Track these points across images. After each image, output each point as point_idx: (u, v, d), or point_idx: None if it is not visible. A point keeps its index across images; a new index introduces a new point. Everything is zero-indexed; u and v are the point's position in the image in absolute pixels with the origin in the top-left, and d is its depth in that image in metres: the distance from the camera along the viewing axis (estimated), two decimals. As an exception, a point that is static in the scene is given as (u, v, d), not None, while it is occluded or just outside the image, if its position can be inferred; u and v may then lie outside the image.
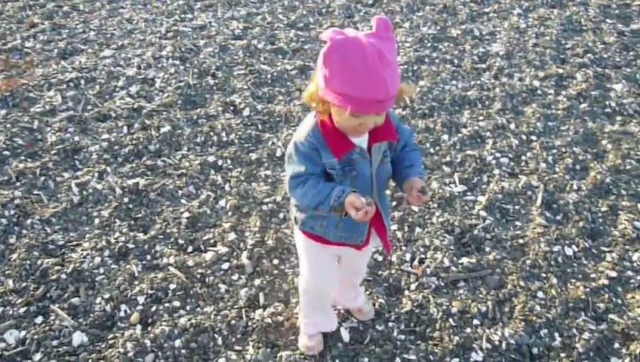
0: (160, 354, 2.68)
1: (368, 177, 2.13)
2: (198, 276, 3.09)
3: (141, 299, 2.95)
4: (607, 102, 4.58)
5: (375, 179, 2.15)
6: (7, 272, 3.07)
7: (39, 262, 3.11)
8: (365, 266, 2.73)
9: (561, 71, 4.97)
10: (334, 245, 2.33)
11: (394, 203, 3.52)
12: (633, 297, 3.01)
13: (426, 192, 2.09)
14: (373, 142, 2.08)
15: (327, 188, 2.04)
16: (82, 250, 3.21)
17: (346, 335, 2.78)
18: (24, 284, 3.01)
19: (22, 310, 2.88)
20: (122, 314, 2.89)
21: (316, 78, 1.93)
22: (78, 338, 2.75)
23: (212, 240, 3.31)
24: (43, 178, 3.72)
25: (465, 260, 3.18)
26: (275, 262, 3.18)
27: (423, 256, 3.20)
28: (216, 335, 2.78)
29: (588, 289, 3.02)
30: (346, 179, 2.10)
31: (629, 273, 3.14)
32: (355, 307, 2.86)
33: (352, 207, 1.97)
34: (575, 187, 3.71)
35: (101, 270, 3.10)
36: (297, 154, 2.07)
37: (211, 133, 4.14)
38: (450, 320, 2.85)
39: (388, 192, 3.45)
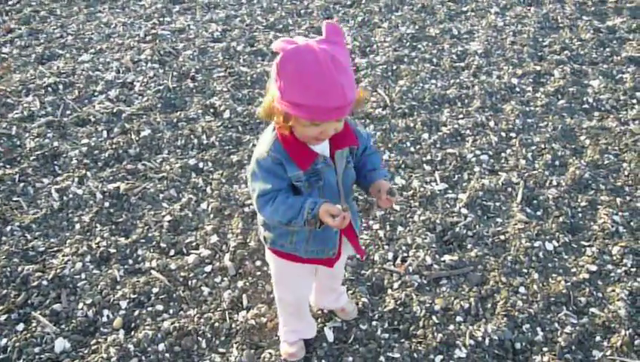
0: (144, 358, 2.67)
1: (335, 185, 2.12)
2: (181, 279, 3.08)
3: (124, 304, 2.93)
4: (584, 99, 4.63)
5: (342, 187, 2.14)
6: (-13, 280, 3.04)
7: (20, 268, 3.08)
8: (342, 270, 2.73)
9: (538, 68, 5.02)
10: (306, 262, 2.31)
11: (361, 212, 3.51)
12: (613, 290, 3.04)
13: (394, 193, 2.09)
14: (335, 149, 2.07)
15: (297, 202, 2.02)
16: (63, 255, 3.19)
17: (330, 335, 2.78)
18: (4, 291, 2.98)
19: (3, 317, 2.86)
20: (105, 319, 2.87)
21: (271, 90, 1.89)
22: (61, 344, 2.73)
23: (194, 243, 3.30)
24: (22, 184, 3.69)
25: (447, 258, 3.19)
26: (258, 263, 3.17)
27: (405, 255, 3.22)
28: (200, 338, 2.78)
29: (569, 284, 3.05)
30: (313, 189, 2.08)
31: (609, 266, 3.17)
32: (338, 307, 2.86)
33: (329, 215, 1.96)
34: (555, 183, 3.74)
35: (83, 275, 3.08)
36: (261, 171, 2.04)
37: (192, 136, 4.13)
38: (434, 317, 2.86)
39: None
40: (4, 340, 2.75)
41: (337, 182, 2.12)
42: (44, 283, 3.02)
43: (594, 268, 3.16)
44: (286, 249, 2.28)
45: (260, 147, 2.06)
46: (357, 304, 2.92)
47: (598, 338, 2.81)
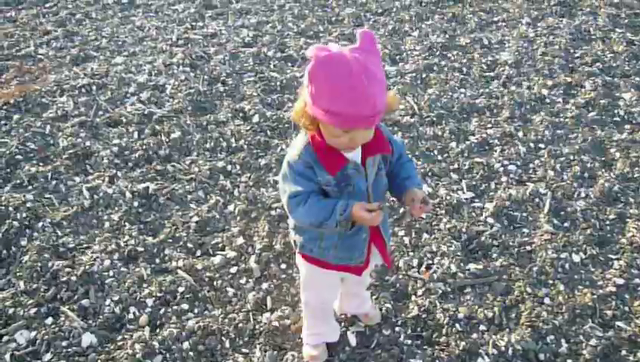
0: (168, 356, 2.71)
1: (364, 191, 2.12)
2: (207, 279, 3.11)
3: (150, 302, 2.98)
4: (615, 111, 4.58)
5: (372, 193, 2.14)
6: (18, 274, 3.11)
7: (50, 264, 3.15)
8: (368, 277, 2.73)
9: (569, 80, 4.98)
10: (334, 269, 2.32)
11: (396, 220, 3.52)
12: (640, 304, 3.01)
13: (428, 202, 2.10)
14: (367, 155, 2.07)
15: (330, 203, 2.03)
16: (92, 252, 3.25)
17: (353, 340, 2.79)
18: (35, 286, 3.04)
19: (32, 311, 2.92)
20: (131, 316, 2.92)
21: (303, 94, 1.91)
22: (88, 339, 2.78)
23: (220, 245, 3.34)
24: (54, 182, 3.76)
25: (472, 266, 3.18)
26: (283, 266, 3.20)
27: (430, 262, 3.22)
28: (223, 338, 2.81)
29: (595, 296, 3.02)
30: (343, 194, 2.08)
31: (637, 280, 3.13)
32: (362, 312, 2.87)
33: (365, 209, 1.98)
34: (583, 194, 3.71)
35: (111, 273, 3.13)
36: (292, 174, 2.05)
37: (221, 139, 4.18)
38: (457, 325, 2.85)
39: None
40: (34, 333, 2.81)
41: (367, 189, 2.12)
42: (73, 278, 3.08)
43: (621, 281, 3.12)
44: (314, 254, 2.29)
45: (291, 150, 2.08)
46: (380, 309, 2.92)
47: (623, 352, 2.77)
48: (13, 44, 5.55)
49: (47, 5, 6.46)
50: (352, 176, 2.06)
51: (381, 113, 1.84)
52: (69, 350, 2.74)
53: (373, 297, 2.98)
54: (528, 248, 3.32)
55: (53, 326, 2.85)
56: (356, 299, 2.80)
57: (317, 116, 1.87)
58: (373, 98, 1.76)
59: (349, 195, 2.08)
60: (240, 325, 2.86)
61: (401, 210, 3.54)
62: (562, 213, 3.58)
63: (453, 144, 4.18)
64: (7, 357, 2.69)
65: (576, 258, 3.26)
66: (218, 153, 4.09)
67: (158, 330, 2.84)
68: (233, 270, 3.17)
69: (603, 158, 4.06)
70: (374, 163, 2.11)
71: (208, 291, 3.06)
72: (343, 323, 2.86)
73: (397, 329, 2.85)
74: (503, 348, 2.74)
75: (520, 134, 4.28)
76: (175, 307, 2.96)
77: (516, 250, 3.31)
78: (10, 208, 3.48)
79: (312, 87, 1.82)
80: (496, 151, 4.11)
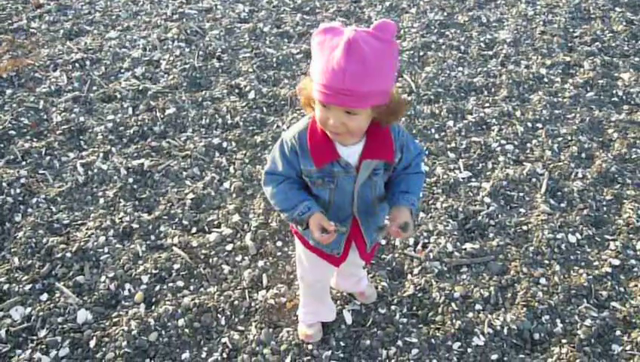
0: (163, 332, 2.70)
1: (349, 193, 2.05)
2: (202, 257, 3.10)
3: (145, 279, 2.97)
4: (614, 91, 4.56)
5: (357, 197, 2.07)
6: (13, 250, 3.09)
7: (44, 240, 3.13)
8: (360, 262, 2.65)
9: (568, 59, 4.95)
10: (314, 252, 2.30)
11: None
12: (636, 285, 3.01)
13: (407, 230, 2.01)
14: (364, 158, 1.98)
15: (295, 198, 2.02)
16: (87, 229, 3.23)
17: (348, 318, 2.79)
18: (30, 262, 3.03)
19: (27, 287, 2.90)
20: (126, 292, 2.91)
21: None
22: (83, 315, 2.77)
23: (216, 222, 3.32)
24: (48, 158, 3.73)
25: (468, 246, 3.18)
26: (279, 244, 3.18)
27: (426, 241, 3.21)
28: (219, 316, 2.80)
29: (591, 277, 3.03)
30: (324, 189, 2.04)
31: (632, 261, 3.14)
32: (357, 291, 2.87)
33: (319, 227, 1.96)
34: (580, 175, 3.70)
35: (106, 249, 3.12)
36: (279, 152, 2.04)
37: (216, 116, 4.14)
38: (453, 304, 2.86)
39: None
40: (29, 309, 2.80)
41: (353, 192, 2.06)
42: (68, 255, 3.06)
43: (617, 262, 3.13)
44: (299, 231, 2.26)
45: (290, 130, 2.04)
46: (376, 288, 2.92)
47: (618, 332, 2.79)
48: (4, 18, 5.46)
49: (39, -22, 6.36)
50: (337, 174, 2.00)
51: (356, 95, 1.72)
52: (65, 326, 2.73)
53: (370, 275, 2.98)
54: (525, 228, 3.32)
55: (48, 302, 2.84)
56: (352, 277, 2.79)
57: (311, 88, 1.84)
58: (344, 72, 1.68)
59: (330, 193, 2.05)
60: (235, 302, 2.86)
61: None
62: (559, 193, 3.57)
63: (451, 123, 4.15)
64: (3, 332, 2.69)
65: (572, 238, 3.26)
66: (213, 130, 4.06)
67: (153, 307, 2.84)
68: (229, 247, 3.16)
69: (601, 139, 4.05)
70: (369, 167, 2.01)
71: (204, 268, 3.05)
72: (338, 301, 2.86)
73: (393, 307, 2.85)
74: (498, 328, 2.74)
75: (518, 113, 4.26)
76: (170, 284, 2.95)
77: (512, 229, 3.31)
78: (4, 184, 3.45)
79: (312, 53, 1.81)
80: (493, 130, 4.09)
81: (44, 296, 2.87)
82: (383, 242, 3.19)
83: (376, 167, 2.03)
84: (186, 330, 2.72)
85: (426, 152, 3.85)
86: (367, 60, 1.69)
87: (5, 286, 2.90)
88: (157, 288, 2.93)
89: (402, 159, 2.10)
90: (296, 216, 2.01)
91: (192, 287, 2.95)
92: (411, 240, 3.20)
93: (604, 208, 3.49)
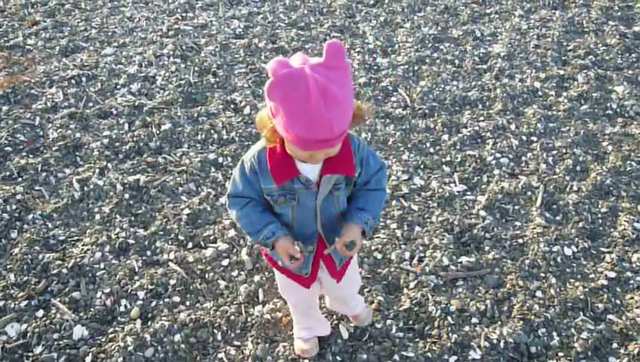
0: (160, 348, 2.69)
1: (312, 209, 2.04)
2: (198, 272, 3.10)
3: (141, 294, 2.96)
4: (608, 104, 4.58)
5: (320, 212, 2.05)
6: (8, 266, 3.09)
7: (40, 256, 3.13)
8: (350, 291, 2.61)
9: (562, 72, 4.97)
10: (284, 274, 2.30)
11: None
12: (632, 298, 3.02)
13: (351, 249, 2.01)
14: (324, 173, 1.96)
15: (261, 222, 2.03)
16: (83, 245, 3.23)
17: (344, 333, 2.79)
18: (25, 278, 3.03)
19: (23, 303, 2.90)
20: (122, 308, 2.90)
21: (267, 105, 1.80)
22: (79, 331, 2.77)
23: (212, 237, 3.32)
24: (44, 174, 3.74)
25: (464, 259, 3.18)
26: (275, 259, 3.18)
27: (422, 255, 3.21)
28: (215, 331, 2.80)
29: (587, 290, 3.03)
30: (286, 207, 2.04)
31: (629, 274, 3.14)
32: (352, 315, 2.82)
33: (286, 254, 1.99)
34: (575, 188, 3.71)
35: (102, 265, 3.11)
36: (239, 173, 2.03)
37: (212, 131, 4.15)
38: (449, 318, 2.86)
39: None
40: (25, 326, 2.79)
41: (315, 207, 2.04)
42: (64, 271, 3.06)
43: (613, 274, 3.13)
44: (269, 252, 2.25)
45: (250, 150, 2.03)
46: (372, 302, 2.91)
47: (614, 345, 2.79)
48: (1, 35, 5.50)
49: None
50: (298, 191, 1.99)
51: (342, 136, 1.73)
52: (61, 342, 2.72)
53: (366, 289, 2.98)
54: (520, 241, 3.33)
55: (44, 318, 2.83)
56: (342, 305, 2.76)
57: (278, 129, 1.78)
58: (330, 123, 1.65)
59: (292, 210, 2.04)
60: (232, 318, 2.86)
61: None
62: (554, 206, 3.58)
63: (446, 136, 4.17)
64: (-3, 350, 2.68)
65: (568, 251, 3.26)
66: (209, 145, 4.07)
67: (149, 323, 2.83)
68: (225, 262, 3.16)
69: (595, 152, 4.07)
70: (330, 182, 1.98)
71: (200, 283, 3.04)
72: (334, 316, 2.86)
73: (389, 321, 2.85)
74: (494, 341, 2.74)
75: (512, 127, 4.28)
76: (167, 299, 2.95)
77: (508, 243, 3.32)
78: (0, 200, 3.45)
79: (271, 103, 1.72)
80: (488, 143, 4.11)
81: (40, 313, 2.86)
82: (379, 256, 3.19)
83: (337, 181, 2.00)
84: (182, 346, 2.72)
85: (421, 166, 3.86)
86: (339, 100, 1.65)
87: (1, 303, 2.90)
88: (153, 303, 2.93)
89: (362, 173, 2.07)
90: (262, 240, 2.03)
91: (188, 303, 2.95)
92: (407, 254, 3.20)
93: (600, 221, 3.50)
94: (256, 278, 3.06)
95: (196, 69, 4.93)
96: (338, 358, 2.69)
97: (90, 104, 4.47)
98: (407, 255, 3.21)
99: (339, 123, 1.68)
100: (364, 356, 2.68)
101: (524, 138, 4.17)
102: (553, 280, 3.08)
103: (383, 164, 2.14)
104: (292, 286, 2.36)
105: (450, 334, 2.78)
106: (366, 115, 1.88)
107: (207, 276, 3.08)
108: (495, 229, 3.38)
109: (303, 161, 1.91)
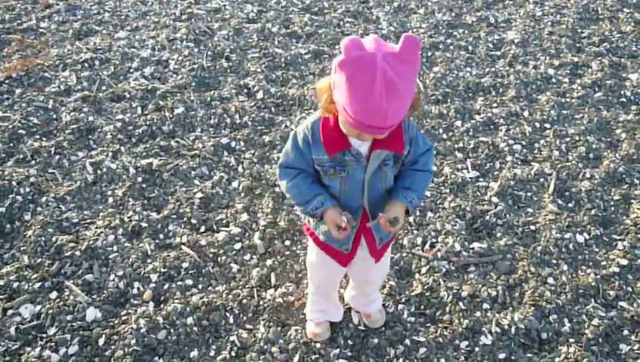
0: (172, 330, 2.72)
1: (360, 182, 2.06)
2: (211, 255, 3.12)
3: (154, 277, 2.98)
4: (622, 92, 4.55)
5: (368, 186, 2.07)
6: (22, 248, 3.12)
7: (54, 238, 3.15)
8: (377, 279, 2.64)
9: (576, 59, 4.94)
10: (322, 249, 2.32)
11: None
12: (644, 285, 3.01)
13: (395, 225, 2.03)
14: (374, 148, 1.99)
15: (310, 193, 2.05)
16: (96, 227, 3.25)
17: (355, 318, 2.80)
18: (39, 260, 3.05)
19: (37, 285, 2.92)
20: (135, 291, 2.93)
21: (331, 75, 1.82)
22: (92, 313, 2.79)
23: (225, 221, 3.33)
24: (58, 157, 3.75)
25: (476, 245, 3.18)
26: (287, 243, 3.20)
27: (434, 240, 3.21)
28: (227, 314, 2.82)
29: (598, 277, 3.02)
30: (335, 178, 2.06)
31: (640, 261, 3.14)
32: (366, 312, 2.80)
33: (334, 224, 2.02)
34: (588, 175, 3.70)
35: (115, 248, 3.13)
36: (292, 144, 2.07)
37: (225, 115, 4.16)
38: (460, 303, 2.86)
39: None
40: (38, 307, 2.82)
41: (363, 181, 2.06)
42: (77, 253, 3.08)
43: (624, 262, 3.13)
44: (310, 225, 2.29)
45: (304, 122, 2.08)
46: (384, 287, 2.92)
47: (625, 332, 2.79)
48: (14, 18, 5.50)
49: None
50: (348, 162, 2.01)
51: (393, 127, 1.77)
52: (74, 324, 2.75)
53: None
54: (532, 228, 3.32)
55: (57, 300, 2.86)
56: (364, 298, 2.74)
57: (336, 103, 1.82)
58: (386, 114, 1.68)
59: (342, 181, 2.06)
60: (244, 301, 2.87)
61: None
62: (567, 193, 3.57)
63: (459, 123, 4.16)
64: (12, 330, 2.71)
65: (580, 238, 3.26)
66: (222, 129, 4.07)
67: (162, 305, 2.85)
68: (237, 246, 3.17)
69: (608, 139, 4.05)
70: (379, 157, 2.02)
71: (212, 267, 3.06)
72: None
73: (400, 306, 2.86)
74: (506, 327, 2.75)
75: (526, 114, 4.26)
76: (179, 282, 2.97)
77: (520, 229, 3.31)
78: (14, 183, 3.47)
79: (336, 78, 1.73)
80: (501, 130, 4.09)
81: (54, 294, 2.89)
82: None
83: (385, 157, 2.03)
84: (195, 329, 2.74)
85: (434, 152, 3.85)
86: (400, 94, 1.68)
87: (15, 284, 2.92)
88: (166, 286, 2.95)
89: (410, 152, 2.11)
90: (310, 211, 2.06)
91: (200, 286, 2.97)
92: (419, 240, 3.20)
93: (612, 208, 3.49)
94: (269, 262, 3.08)
95: (209, 53, 4.93)
96: (350, 342, 2.71)
97: (104, 87, 4.48)
98: (419, 240, 3.21)
99: (394, 116, 1.71)
100: (376, 340, 2.69)
101: (537, 125, 4.15)
102: (565, 267, 3.08)
103: (431, 145, 2.19)
104: (326, 263, 2.37)
105: (461, 319, 2.79)
106: (418, 109, 1.93)
107: (219, 259, 3.10)
108: (507, 216, 3.38)
109: (354, 137, 1.95)
